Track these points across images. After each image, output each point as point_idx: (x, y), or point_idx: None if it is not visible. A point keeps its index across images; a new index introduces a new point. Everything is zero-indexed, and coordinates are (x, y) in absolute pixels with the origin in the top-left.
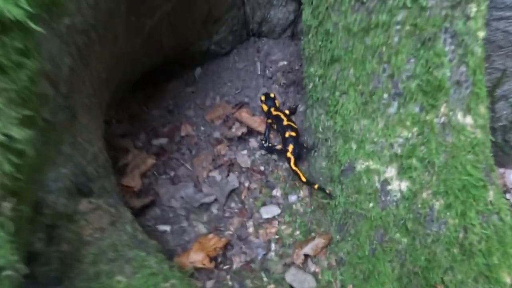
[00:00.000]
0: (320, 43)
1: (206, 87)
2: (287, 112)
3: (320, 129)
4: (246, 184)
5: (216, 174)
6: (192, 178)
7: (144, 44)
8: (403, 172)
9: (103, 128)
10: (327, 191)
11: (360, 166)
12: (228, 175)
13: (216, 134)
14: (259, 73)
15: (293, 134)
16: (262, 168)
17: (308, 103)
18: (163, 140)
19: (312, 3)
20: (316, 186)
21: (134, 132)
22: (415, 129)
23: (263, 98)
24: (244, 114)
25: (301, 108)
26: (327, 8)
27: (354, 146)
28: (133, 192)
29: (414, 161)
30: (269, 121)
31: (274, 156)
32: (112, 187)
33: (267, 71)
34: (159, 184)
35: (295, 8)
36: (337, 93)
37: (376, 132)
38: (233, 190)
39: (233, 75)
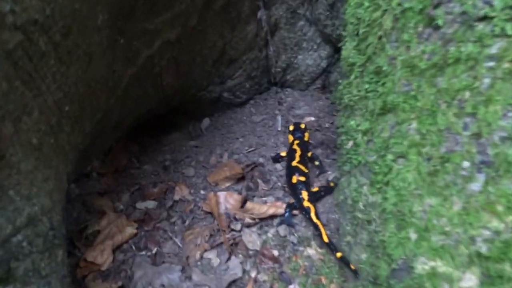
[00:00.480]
0: (367, 86)
1: (213, 142)
2: (309, 154)
3: (361, 206)
4: (253, 274)
5: (212, 256)
6: (181, 259)
7: (136, 78)
8: (489, 283)
9: (65, 181)
10: (352, 267)
11: (422, 266)
12: (229, 259)
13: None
14: (279, 129)
15: (303, 179)
16: (276, 252)
17: (343, 169)
18: (150, 203)
19: (357, 34)
20: (339, 255)
21: (117, 190)
22: (511, 218)
23: (291, 128)
24: (250, 205)
25: (331, 176)
26: (380, 38)
27: (413, 235)
28: (98, 272)
29: (507, 268)
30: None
31: (293, 237)
32: (55, 269)
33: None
34: (136, 263)
35: (329, 53)
36: (390, 156)
37: (449, 217)
38: (233, 282)
39: (248, 129)
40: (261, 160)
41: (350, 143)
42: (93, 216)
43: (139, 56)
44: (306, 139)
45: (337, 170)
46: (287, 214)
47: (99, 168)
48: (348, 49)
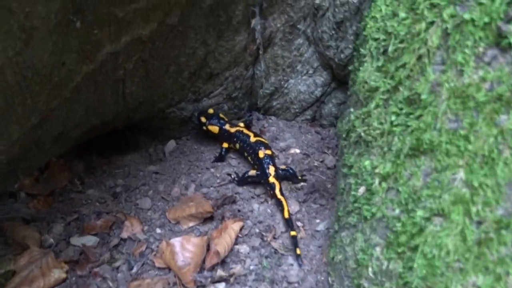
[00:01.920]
0: (393, 118)
1: (178, 169)
2: (242, 125)
3: (370, 273)
4: None
5: None
6: None
7: (92, 79)
8: None
9: None
10: (298, 252)
11: None
12: None
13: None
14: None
15: (269, 152)
16: None
17: (344, 220)
18: (89, 240)
19: (384, 52)
20: (293, 233)
21: (48, 217)
22: None
23: (203, 119)
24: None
25: (319, 226)
26: (420, 57)
27: None
28: None
29: None
30: (226, 145)
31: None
32: None
33: None
34: None
35: (326, 81)
36: (421, 213)
37: None
38: None
39: None
40: (235, 195)
41: (362, 189)
42: (11, 250)
43: (100, 51)
44: (226, 119)
45: (331, 219)
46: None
47: (29, 187)
48: (367, 71)
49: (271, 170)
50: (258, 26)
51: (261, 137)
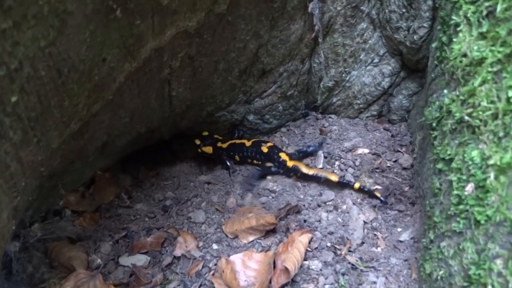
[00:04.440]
0: (510, 94)
1: (232, 178)
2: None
3: None
4: None
5: None
6: None
7: (136, 79)
8: None
9: (8, 219)
10: (378, 195)
11: None
12: None
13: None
14: (320, 166)
15: (271, 144)
16: None
17: (438, 228)
18: (140, 259)
19: (486, 14)
20: (357, 185)
21: (95, 236)
22: None
23: (197, 141)
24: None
25: (402, 235)
26: None
27: None
28: None
29: None
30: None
31: None
32: None
33: (335, 164)
34: None
35: (395, 69)
36: None
37: None
38: None
39: None
40: (296, 202)
41: (469, 186)
42: (56, 273)
43: (143, 46)
44: (220, 137)
45: (415, 226)
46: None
47: (75, 204)
48: (465, 41)
49: (283, 155)
50: (316, 11)
51: (257, 138)
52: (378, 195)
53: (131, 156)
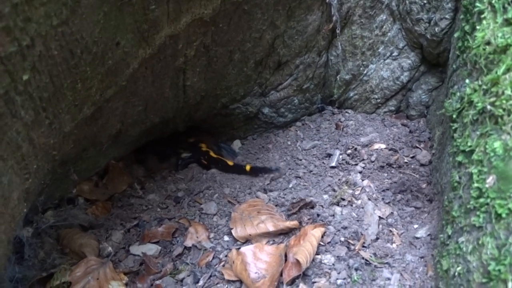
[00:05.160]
0: None
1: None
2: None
3: None
4: None
5: None
6: None
7: (150, 67)
8: None
9: (19, 202)
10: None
11: None
12: None
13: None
14: (333, 164)
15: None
16: None
17: (456, 223)
18: (151, 248)
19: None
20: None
21: (107, 224)
22: None
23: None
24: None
25: (419, 232)
26: None
27: None
28: None
29: None
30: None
31: None
32: None
33: (350, 161)
34: None
35: (414, 63)
36: None
37: None
38: None
39: (292, 160)
40: (311, 199)
41: (491, 179)
42: (67, 259)
43: (158, 32)
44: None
45: (432, 223)
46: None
47: (88, 192)
48: (489, 29)
49: (203, 145)
50: (334, 1)
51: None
52: (248, 168)
53: (144, 146)
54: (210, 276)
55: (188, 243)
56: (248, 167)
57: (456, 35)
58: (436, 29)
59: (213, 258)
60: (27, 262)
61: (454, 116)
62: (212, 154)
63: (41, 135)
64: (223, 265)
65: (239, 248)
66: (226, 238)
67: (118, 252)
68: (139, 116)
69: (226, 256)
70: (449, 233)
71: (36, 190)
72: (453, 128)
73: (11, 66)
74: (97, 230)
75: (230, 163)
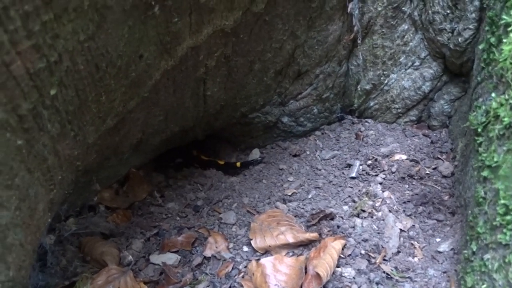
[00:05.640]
0: None
1: (263, 180)
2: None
3: None
4: None
5: None
6: None
7: (172, 77)
8: None
9: (44, 212)
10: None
11: None
12: None
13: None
14: (353, 175)
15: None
16: None
17: (481, 239)
18: (170, 258)
19: None
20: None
21: (127, 232)
22: None
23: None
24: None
25: (441, 246)
26: None
27: None
28: None
29: None
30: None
31: None
32: None
33: (370, 171)
34: None
35: (436, 73)
36: None
37: None
38: None
39: (311, 170)
40: (331, 210)
41: None
42: (89, 267)
43: (180, 44)
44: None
45: (455, 237)
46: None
47: (109, 200)
48: None
49: (194, 151)
50: (356, 11)
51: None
52: (238, 164)
53: (163, 155)
54: (230, 287)
55: (208, 253)
56: (238, 164)
57: (480, 46)
58: (460, 39)
59: (233, 268)
60: (50, 269)
61: (479, 129)
62: (203, 157)
63: (66, 147)
64: (243, 276)
65: (258, 259)
66: (245, 248)
67: (139, 261)
68: (159, 126)
69: (245, 267)
70: (474, 249)
71: (60, 200)
72: (478, 142)
73: (39, 81)
74: (118, 238)
75: (221, 162)
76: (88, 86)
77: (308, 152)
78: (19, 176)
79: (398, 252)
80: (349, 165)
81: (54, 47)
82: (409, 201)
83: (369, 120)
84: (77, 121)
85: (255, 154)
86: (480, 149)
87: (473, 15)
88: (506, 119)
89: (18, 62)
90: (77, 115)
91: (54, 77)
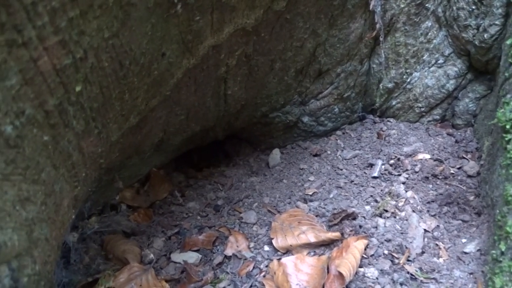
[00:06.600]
0: None
1: (283, 180)
2: None
3: None
4: None
5: None
6: None
7: (193, 76)
8: None
9: (68, 209)
10: None
11: None
12: None
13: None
14: (375, 174)
15: None
16: None
17: (510, 239)
18: (191, 256)
19: None
20: None
21: (149, 231)
22: None
23: None
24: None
25: (468, 247)
26: None
27: None
28: None
29: None
30: None
31: None
32: None
33: (393, 171)
34: None
35: (461, 71)
36: None
37: None
38: None
39: (332, 169)
40: (352, 209)
41: None
42: (111, 264)
43: (201, 42)
44: None
45: (481, 238)
46: None
47: (130, 199)
48: None
49: None
50: (378, 8)
51: None
52: None
53: (184, 155)
54: (251, 286)
55: (228, 252)
56: None
57: (508, 42)
58: (485, 35)
59: (254, 268)
60: (73, 267)
61: (508, 126)
62: None
63: (90, 144)
64: (264, 276)
65: (279, 259)
66: (266, 248)
67: (160, 259)
68: (181, 125)
69: (266, 266)
70: (503, 250)
71: (84, 197)
72: (506, 139)
73: (65, 77)
74: (139, 236)
75: None
76: (112, 83)
77: (329, 152)
78: (45, 172)
79: (423, 252)
80: (371, 165)
81: (80, 44)
82: (433, 201)
83: (391, 119)
84: (101, 118)
85: (275, 154)
86: (509, 147)
87: (500, 10)
88: None
89: (45, 58)
90: (101, 112)
91: (79, 74)
